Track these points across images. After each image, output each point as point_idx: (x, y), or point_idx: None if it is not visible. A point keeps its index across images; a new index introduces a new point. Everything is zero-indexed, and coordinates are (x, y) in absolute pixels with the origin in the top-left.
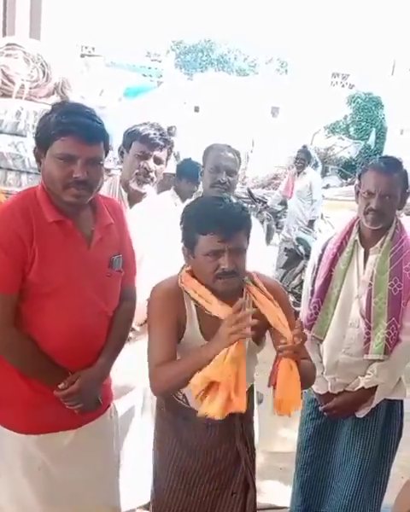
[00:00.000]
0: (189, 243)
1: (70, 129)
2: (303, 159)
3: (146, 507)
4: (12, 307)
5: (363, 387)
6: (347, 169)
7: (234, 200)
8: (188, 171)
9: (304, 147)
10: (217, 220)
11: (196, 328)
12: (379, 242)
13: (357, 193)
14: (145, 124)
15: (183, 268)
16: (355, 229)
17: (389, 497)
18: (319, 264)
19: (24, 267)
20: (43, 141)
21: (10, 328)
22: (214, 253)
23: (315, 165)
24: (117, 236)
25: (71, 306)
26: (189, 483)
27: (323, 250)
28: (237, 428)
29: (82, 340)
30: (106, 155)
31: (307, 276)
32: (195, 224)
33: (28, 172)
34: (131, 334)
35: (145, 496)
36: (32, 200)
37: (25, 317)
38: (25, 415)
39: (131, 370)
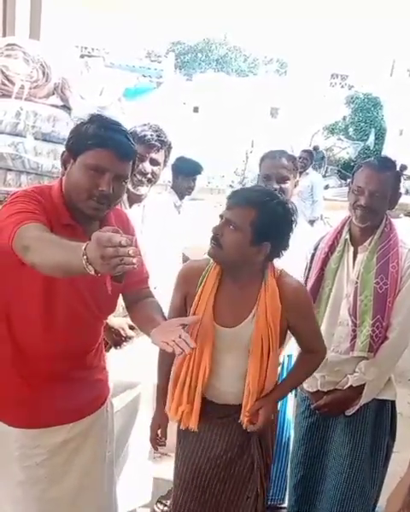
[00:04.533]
0: None
1: (106, 143)
2: (306, 159)
3: (148, 506)
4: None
5: (352, 385)
6: (346, 170)
7: None
8: (183, 168)
9: (315, 148)
10: None
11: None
12: (368, 241)
13: (350, 190)
14: (143, 125)
15: None
16: (346, 228)
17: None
18: (311, 263)
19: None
20: (77, 148)
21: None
22: None
23: (319, 166)
24: None
25: (67, 310)
26: (204, 480)
27: (315, 249)
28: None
29: (74, 344)
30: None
31: (300, 276)
32: None
33: (28, 173)
34: (132, 333)
35: (147, 495)
36: (48, 200)
37: (16, 323)
38: (20, 409)
39: (135, 367)
